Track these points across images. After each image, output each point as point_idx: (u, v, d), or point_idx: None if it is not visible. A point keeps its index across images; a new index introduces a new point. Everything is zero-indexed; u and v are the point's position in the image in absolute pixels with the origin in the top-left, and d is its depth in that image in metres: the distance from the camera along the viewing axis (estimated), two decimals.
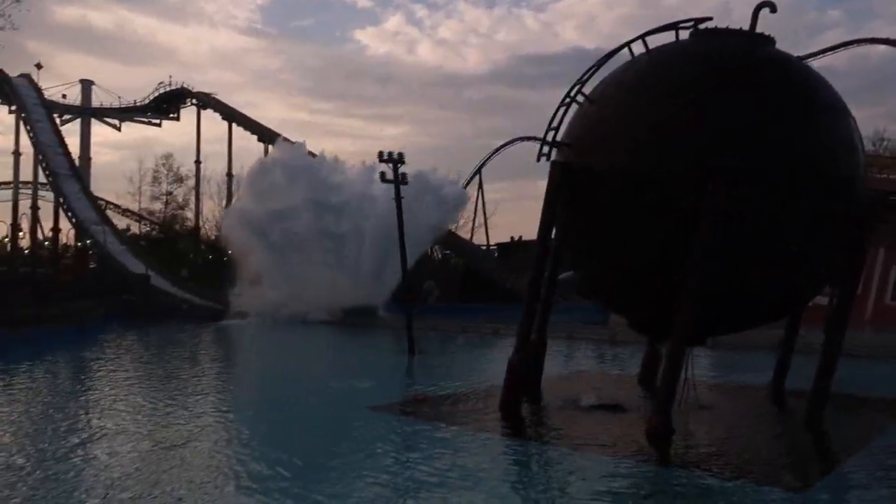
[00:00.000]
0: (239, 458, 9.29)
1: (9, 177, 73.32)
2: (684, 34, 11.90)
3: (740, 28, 11.53)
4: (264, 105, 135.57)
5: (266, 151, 69.75)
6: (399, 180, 23.62)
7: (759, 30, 11.48)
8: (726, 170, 10.08)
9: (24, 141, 68.86)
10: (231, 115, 73.05)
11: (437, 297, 60.90)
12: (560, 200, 12.14)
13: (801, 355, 13.78)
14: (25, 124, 67.90)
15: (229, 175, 69.93)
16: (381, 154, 23.41)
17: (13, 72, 69.14)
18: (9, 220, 70.12)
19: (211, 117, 75.57)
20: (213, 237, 67.89)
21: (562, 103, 12.47)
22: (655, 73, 11.50)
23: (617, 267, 11.63)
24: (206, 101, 75.11)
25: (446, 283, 63.37)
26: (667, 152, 10.64)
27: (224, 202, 67.59)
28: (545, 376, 14.52)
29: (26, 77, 72.65)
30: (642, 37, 11.70)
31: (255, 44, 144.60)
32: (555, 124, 12.54)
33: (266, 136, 70.94)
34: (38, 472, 8.78)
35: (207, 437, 10.59)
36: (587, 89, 12.29)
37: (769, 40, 11.71)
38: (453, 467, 8.85)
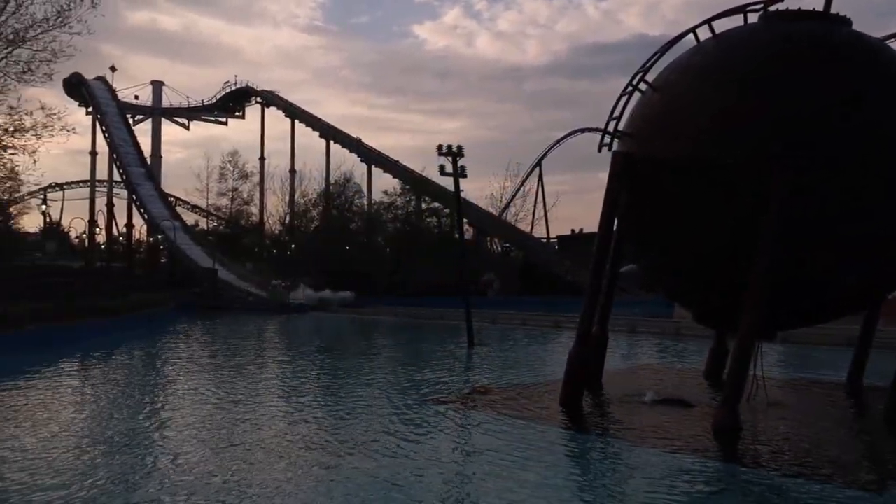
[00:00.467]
0: (304, 445, 9.49)
1: (86, 175, 77.07)
2: (753, 17, 11.48)
3: (813, 9, 11.03)
4: (325, 101, 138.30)
5: (327, 147, 71.12)
6: (458, 173, 23.65)
7: (833, 10, 10.97)
8: (797, 157, 9.69)
9: (100, 141, 72.17)
10: (293, 112, 74.70)
11: (497, 290, 60.81)
12: (622, 191, 11.92)
13: (880, 350, 13.13)
14: (101, 125, 71.07)
15: (292, 171, 71.63)
16: (440, 147, 23.49)
17: (89, 75, 72.44)
18: (86, 217, 73.75)
19: (274, 115, 77.59)
20: (276, 231, 69.60)
21: (624, 92, 12.24)
22: (723, 58, 11.13)
23: (682, 258, 11.36)
24: (269, 99, 77.04)
25: (506, 275, 63.20)
26: (735, 140, 10.30)
27: (287, 197, 69.26)
28: (607, 370, 14.32)
29: (102, 79, 75.97)
30: (708, 21, 11.34)
31: (316, 41, 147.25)
32: (616, 114, 12.33)
33: (327, 132, 72.23)
34: (111, 449, 9.19)
35: (269, 426, 10.85)
36: (650, 77, 12.01)
37: (845, 21, 11.17)
38: (514, 459, 8.81)
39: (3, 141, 23.87)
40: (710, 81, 10.95)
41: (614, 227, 12.62)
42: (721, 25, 11.38)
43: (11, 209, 44.80)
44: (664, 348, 23.89)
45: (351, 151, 70.69)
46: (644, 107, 11.96)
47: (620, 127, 12.34)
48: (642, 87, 12.05)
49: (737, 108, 10.41)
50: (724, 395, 10.33)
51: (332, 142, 71.69)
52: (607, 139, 12.50)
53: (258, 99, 78.82)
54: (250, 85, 78.95)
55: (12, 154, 24.71)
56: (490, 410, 11.74)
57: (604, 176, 12.37)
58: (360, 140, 71.67)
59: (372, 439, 9.87)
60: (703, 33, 11.47)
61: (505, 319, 34.09)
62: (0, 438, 9.96)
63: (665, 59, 12.11)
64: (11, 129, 23.84)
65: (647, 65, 12.09)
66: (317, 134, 73.54)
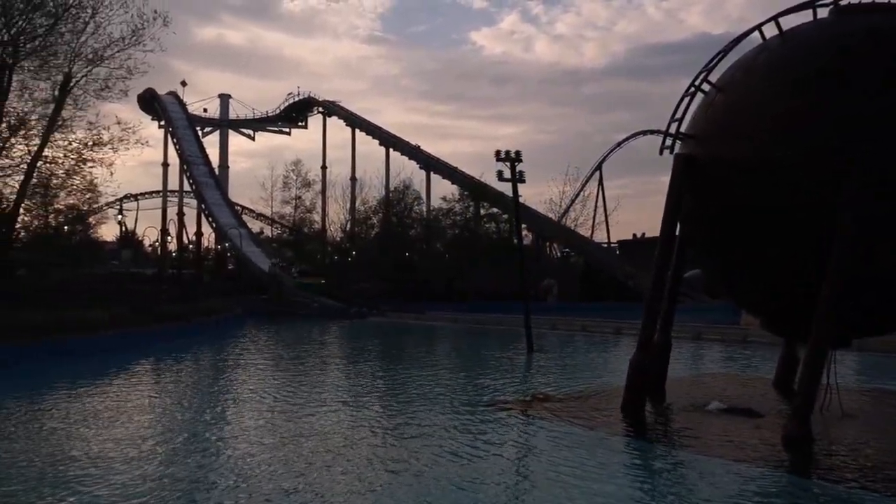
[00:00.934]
0: (368, 448, 9.63)
1: (159, 186, 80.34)
2: (822, 13, 11.08)
3: (889, 1, 10.56)
4: (385, 110, 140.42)
5: (387, 155, 72.08)
6: (516, 178, 23.59)
7: None
8: (869, 155, 9.30)
9: (172, 153, 75.18)
10: (354, 121, 76.08)
11: (557, 296, 60.21)
12: (685, 195, 11.67)
13: None
14: (172, 137, 74.02)
15: (353, 179, 72.87)
16: (497, 153, 23.49)
17: (162, 90, 75.58)
18: (159, 226, 76.80)
19: (336, 124, 79.24)
20: (337, 238, 70.82)
21: (686, 93, 11.98)
22: (790, 56, 10.75)
23: (749, 262, 11.02)
24: (331, 109, 78.67)
25: (565, 281, 62.53)
26: (802, 140, 9.95)
27: (348, 205, 70.43)
28: (670, 378, 13.99)
29: (173, 94, 79.14)
30: (775, 18, 10.99)
31: (376, 51, 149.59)
32: (678, 115, 12.07)
33: (387, 140, 73.20)
34: (178, 453, 9.54)
35: (333, 429, 11.05)
36: (714, 77, 11.72)
37: None
38: (573, 466, 8.72)
39: (83, 155, 25.10)
40: (776, 80, 10.60)
41: (677, 232, 12.36)
42: (788, 22, 11.02)
43: (91, 219, 46.99)
44: (730, 356, 23.18)
45: (410, 159, 71.49)
46: (707, 108, 11.68)
47: (683, 129, 12.08)
48: (705, 87, 11.76)
49: (804, 107, 10.05)
50: (795, 404, 9.96)
51: (391, 149, 72.65)
52: (669, 141, 12.26)
53: (320, 109, 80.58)
54: (312, 95, 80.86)
55: (91, 167, 25.95)
56: (550, 417, 11.65)
57: (666, 179, 12.14)
58: (418, 147, 72.37)
59: (433, 444, 9.94)
60: (770, 31, 11.13)
61: (564, 325, 33.72)
62: (74, 438, 10.47)
63: (729, 58, 11.80)
64: (91, 143, 25.06)
65: (711, 64, 11.80)
66: (377, 142, 74.71)
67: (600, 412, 12.07)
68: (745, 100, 10.90)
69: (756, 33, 11.31)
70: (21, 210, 25.81)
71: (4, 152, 23.53)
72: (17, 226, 27.63)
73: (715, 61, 11.76)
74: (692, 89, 11.89)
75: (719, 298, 32.73)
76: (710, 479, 8.39)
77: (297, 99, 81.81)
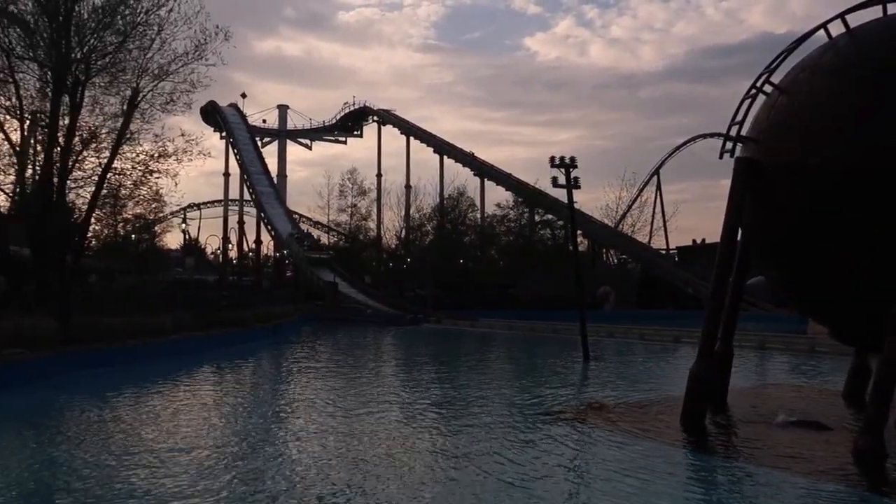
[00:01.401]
0: (426, 455, 9.66)
1: (220, 196, 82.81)
2: (892, 8, 10.62)
3: None
4: (439, 118, 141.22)
5: (441, 162, 72.47)
6: (571, 185, 23.36)
7: None
8: None
9: (232, 163, 77.43)
10: (408, 130, 76.81)
11: (614, 303, 59.27)
12: (746, 199, 11.33)
13: None
14: (233, 148, 76.23)
15: (407, 186, 73.49)
16: (552, 159, 23.31)
17: (223, 102, 77.98)
18: (220, 234, 79.13)
19: (390, 132, 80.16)
20: (392, 246, 71.52)
21: (747, 94, 11.67)
22: (858, 54, 10.34)
23: (815, 270, 10.62)
24: (385, 118, 79.64)
25: (623, 288, 61.54)
26: (869, 143, 9.54)
27: (403, 212, 71.09)
28: (732, 388, 13.58)
29: (234, 106, 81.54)
30: (842, 15, 10.60)
31: (430, 59, 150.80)
32: (739, 118, 11.76)
33: (441, 147, 73.63)
34: (236, 457, 9.77)
35: (390, 436, 11.12)
36: (776, 78, 11.38)
37: None
38: (630, 478, 8.53)
39: (149, 166, 26.00)
40: (843, 80, 10.21)
41: (738, 237, 12.01)
42: (855, 20, 10.61)
43: (156, 228, 48.86)
44: (797, 366, 22.34)
45: (464, 166, 71.69)
46: (769, 110, 11.33)
47: (744, 132, 11.75)
48: (767, 88, 11.43)
49: (871, 108, 9.64)
50: (867, 417, 9.52)
51: (445, 157, 73.01)
52: (729, 145, 11.94)
53: (375, 118, 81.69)
54: (367, 105, 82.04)
55: (157, 178, 26.89)
56: (607, 427, 11.45)
57: (726, 183, 11.82)
58: (472, 154, 72.52)
59: (488, 451, 9.89)
60: (835, 29, 10.74)
61: (622, 333, 33.15)
62: (140, 440, 10.84)
63: (792, 58, 11.45)
64: (156, 155, 25.94)
65: (773, 65, 11.47)
66: (431, 150, 75.21)
67: (659, 423, 11.79)
68: (809, 101, 10.53)
69: (821, 32, 10.93)
70: (92, 219, 26.93)
71: (77, 165, 24.61)
72: (89, 235, 28.82)
73: (777, 62, 11.42)
74: (753, 91, 11.58)
75: (784, 306, 31.66)
76: (775, 494, 8.09)
77: (352, 108, 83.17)
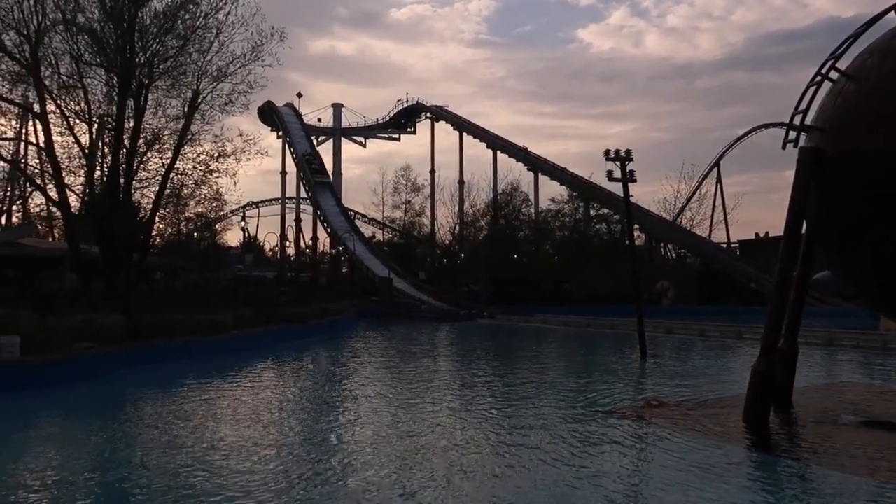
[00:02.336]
0: (479, 447, 9.66)
1: (277, 194, 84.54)
2: None
3: None
4: (492, 113, 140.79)
5: (494, 157, 72.22)
6: (627, 178, 22.93)
7: None
8: None
9: (289, 161, 78.91)
10: (461, 125, 76.71)
11: (672, 299, 58.01)
12: (811, 191, 10.90)
13: None
14: (289, 147, 77.66)
15: (461, 182, 73.46)
16: (607, 152, 22.93)
17: (279, 102, 79.45)
18: (278, 231, 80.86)
19: (443, 128, 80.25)
20: (446, 241, 71.67)
21: (812, 82, 11.22)
22: None
23: (887, 263, 10.13)
24: (438, 114, 79.77)
25: (682, 283, 60.18)
26: None
27: (456, 208, 71.15)
28: (797, 387, 13.11)
29: (289, 105, 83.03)
30: None
31: (482, 54, 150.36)
32: (803, 106, 11.31)
33: (494, 142, 73.35)
34: (298, 448, 9.95)
35: (446, 427, 11.14)
36: (842, 65, 10.89)
37: None
38: (691, 479, 8.32)
39: (209, 166, 26.79)
40: None
41: (803, 230, 11.56)
42: None
43: (217, 226, 50.24)
44: (867, 364, 21.39)
45: (518, 161, 71.21)
46: (836, 97, 10.86)
47: (808, 120, 11.30)
48: (833, 75, 10.95)
49: None
50: None
51: (498, 152, 72.69)
52: (793, 134, 11.49)
53: (428, 114, 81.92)
54: (420, 101, 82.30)
55: (217, 177, 27.67)
56: (666, 426, 11.20)
57: (790, 174, 11.39)
58: (526, 149, 71.98)
59: (545, 448, 9.83)
60: None
61: (681, 330, 32.40)
62: (203, 427, 11.16)
63: (859, 43, 10.92)
64: (216, 155, 26.71)
65: (839, 51, 10.98)
66: (484, 145, 75.00)
67: (720, 422, 11.47)
68: (879, 88, 10.04)
69: (891, 15, 10.43)
70: (156, 218, 27.91)
71: (142, 166, 25.55)
72: (153, 233, 29.88)
73: (844, 47, 10.93)
74: (818, 78, 11.11)
75: (853, 302, 30.40)
76: (843, 497, 7.77)
77: (405, 105, 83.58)
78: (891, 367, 20.00)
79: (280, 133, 79.82)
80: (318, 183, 71.43)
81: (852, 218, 10.51)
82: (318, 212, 73.13)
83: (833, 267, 12.70)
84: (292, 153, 77.31)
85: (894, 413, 11.89)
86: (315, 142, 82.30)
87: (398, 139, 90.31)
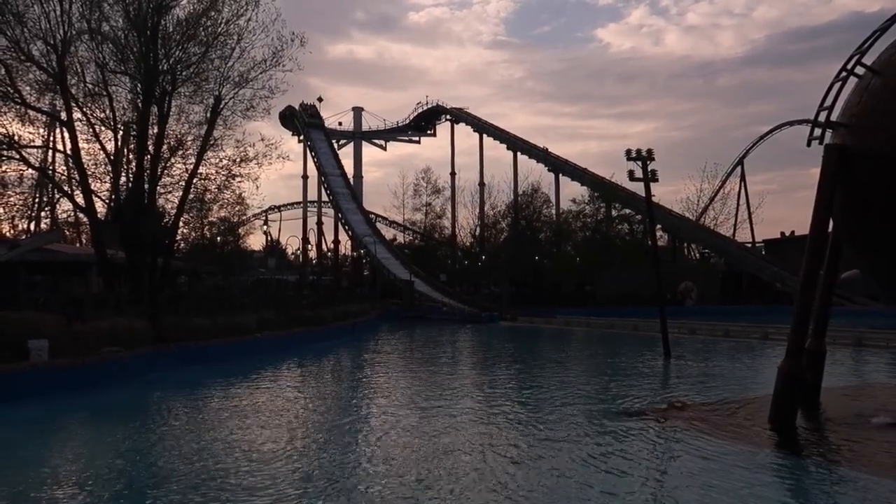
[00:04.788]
0: (502, 449, 9.63)
1: (299, 198, 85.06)
2: None
3: None
4: (511, 114, 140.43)
5: (514, 159, 72.08)
6: (648, 178, 22.76)
7: None
8: None
9: (310, 165, 79.42)
10: (481, 127, 76.68)
11: (696, 299, 57.42)
12: (837, 189, 10.72)
13: None
14: (311, 151, 78.13)
15: (481, 184, 73.44)
16: (628, 152, 22.78)
17: (299, 105, 79.90)
18: (299, 235, 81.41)
19: (463, 130, 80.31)
20: (467, 243, 71.61)
21: (837, 78, 11.04)
22: None
23: None
24: (458, 116, 79.82)
25: (705, 284, 59.55)
26: None
27: (477, 210, 71.08)
28: (826, 387, 12.91)
29: (309, 107, 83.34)
30: None
31: (500, 56, 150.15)
32: (828, 103, 11.14)
33: (514, 144, 73.20)
34: (319, 442, 10.00)
35: (466, 435, 11.12)
36: (869, 60, 10.71)
37: None
38: (715, 481, 8.22)
39: (232, 171, 27.05)
40: None
41: (829, 229, 11.38)
42: None
43: (240, 230, 50.75)
44: None
45: (538, 162, 71.00)
46: (862, 93, 10.68)
47: (834, 117, 11.12)
48: (859, 71, 10.77)
49: None
50: None
51: (518, 153, 72.53)
52: (818, 132, 11.32)
53: (447, 116, 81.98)
54: (440, 104, 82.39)
55: (239, 182, 27.92)
56: (690, 428, 11.07)
57: (816, 172, 11.24)
58: (546, 150, 71.73)
59: (568, 449, 9.80)
60: None
61: (705, 330, 32.04)
62: (228, 429, 11.27)
63: (886, 37, 10.74)
64: (238, 159, 26.96)
65: (865, 46, 10.80)
66: (504, 146, 74.89)
67: (746, 424, 11.32)
68: None
69: None
70: (180, 223, 28.24)
71: (166, 171, 25.88)
72: (178, 238, 30.23)
73: (870, 42, 10.75)
74: (844, 74, 10.94)
75: (882, 301, 29.84)
76: (872, 501, 7.62)
77: (425, 108, 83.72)
78: None
79: (301, 137, 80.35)
80: (311, 125, 71.92)
81: (879, 216, 10.33)
82: (340, 215, 73.48)
83: (860, 266, 12.48)
84: (313, 157, 77.71)
85: None
86: (336, 145, 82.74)
87: (418, 142, 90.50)
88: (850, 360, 21.34)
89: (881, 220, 10.37)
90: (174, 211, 27.17)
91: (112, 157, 25.33)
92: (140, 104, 25.23)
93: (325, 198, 78.02)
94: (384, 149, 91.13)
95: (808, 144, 11.42)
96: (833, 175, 10.72)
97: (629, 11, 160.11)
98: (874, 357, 22.63)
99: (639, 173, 22.79)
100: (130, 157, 26.15)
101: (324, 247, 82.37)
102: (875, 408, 12.15)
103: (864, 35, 10.98)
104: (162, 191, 26.45)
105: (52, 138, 38.35)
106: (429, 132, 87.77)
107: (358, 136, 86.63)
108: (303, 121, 77.94)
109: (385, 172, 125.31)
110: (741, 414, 12.12)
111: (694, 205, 65.09)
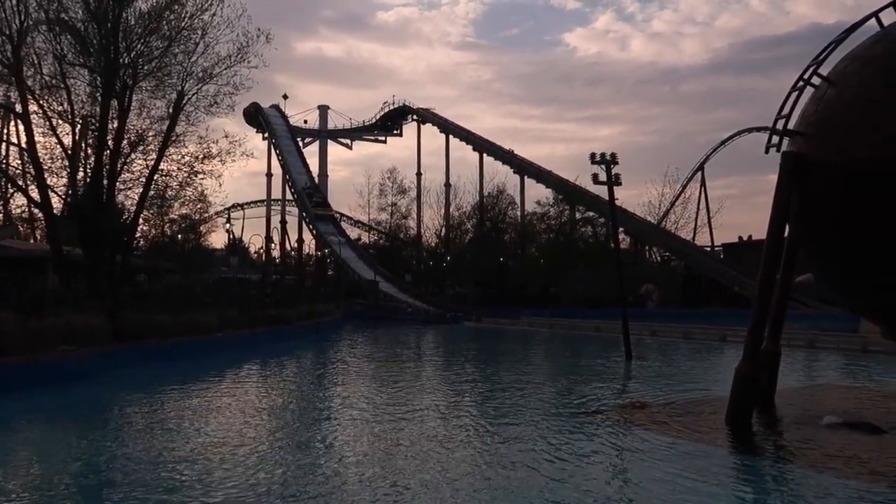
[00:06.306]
0: (466, 451, 9.67)
1: (263, 196, 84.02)
2: None
3: None
4: (478, 115, 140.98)
5: (481, 160, 72.35)
6: (612, 181, 23.09)
7: None
8: None
9: (275, 163, 78.57)
10: (448, 128, 76.75)
11: (657, 302, 58.34)
12: (793, 195, 11.03)
13: None
14: (275, 149, 77.33)
15: (447, 185, 73.48)
16: (592, 156, 23.09)
17: (265, 103, 79.03)
18: (263, 233, 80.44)
19: (430, 131, 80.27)
20: (432, 244, 71.60)
21: (794, 87, 11.37)
22: None
23: (867, 268, 10.28)
24: (424, 117, 79.77)
25: (666, 286, 60.52)
26: None
27: (442, 210, 71.14)
28: (780, 388, 13.27)
29: (276, 107, 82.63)
30: (894, 3, 10.24)
31: (468, 57, 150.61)
32: (786, 111, 11.47)
33: (480, 145, 73.47)
34: (282, 445, 9.93)
35: (433, 431, 11.14)
36: (825, 70, 11.05)
37: None
38: (674, 481, 8.38)
39: (194, 167, 26.61)
40: (894, 71, 9.86)
41: (785, 234, 11.70)
42: None
43: (201, 228, 49.89)
44: (847, 366, 21.68)
45: (504, 163, 71.34)
46: (818, 103, 11.01)
47: (791, 125, 11.44)
48: (815, 81, 11.11)
49: None
50: None
51: (485, 155, 72.80)
52: (776, 139, 11.65)
53: (414, 117, 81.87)
54: (407, 104, 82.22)
55: (202, 179, 27.47)
56: (649, 427, 11.29)
57: (773, 179, 11.53)
58: (512, 152, 72.14)
59: (530, 449, 9.89)
60: (887, 18, 10.39)
61: (665, 332, 32.63)
62: (188, 435, 11.10)
63: (841, 49, 11.09)
64: (201, 156, 26.52)
65: (821, 57, 11.14)
66: (470, 148, 75.09)
67: (703, 423, 11.58)
68: (860, 93, 10.20)
69: (872, 21, 10.59)
70: (140, 220, 27.69)
71: (126, 167, 25.32)
72: (137, 234, 29.62)
73: (826, 53, 11.09)
74: (801, 83, 11.27)
75: (834, 305, 30.73)
76: (823, 497, 7.86)
77: (392, 108, 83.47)
78: (871, 369, 20.26)
79: (266, 135, 79.43)
80: (320, 216, 70.55)
81: (832, 223, 10.66)
82: (304, 214, 72.86)
83: (814, 270, 12.87)
84: (278, 155, 76.94)
85: (875, 415, 12.06)
86: (301, 144, 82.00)
87: (384, 141, 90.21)
88: (803, 362, 21.95)
89: (832, 229, 10.70)
90: (134, 207, 26.64)
91: (70, 152, 24.70)
92: (100, 98, 24.67)
93: (289, 196, 77.31)
94: (350, 148, 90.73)
95: (766, 151, 11.73)
96: (789, 182, 11.03)
97: (596, 16, 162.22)
98: (826, 359, 23.32)
99: (603, 177, 23.12)
100: (89, 151, 25.55)
101: (288, 246, 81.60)
102: (827, 408, 12.52)
103: (822, 46, 11.33)
104: (122, 187, 25.90)
105: (6, 131, 37.22)
106: (395, 132, 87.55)
107: (324, 134, 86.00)
108: (267, 119, 77.12)
109: (351, 172, 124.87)
110: (699, 413, 12.38)
111: (656, 208, 66.14)
